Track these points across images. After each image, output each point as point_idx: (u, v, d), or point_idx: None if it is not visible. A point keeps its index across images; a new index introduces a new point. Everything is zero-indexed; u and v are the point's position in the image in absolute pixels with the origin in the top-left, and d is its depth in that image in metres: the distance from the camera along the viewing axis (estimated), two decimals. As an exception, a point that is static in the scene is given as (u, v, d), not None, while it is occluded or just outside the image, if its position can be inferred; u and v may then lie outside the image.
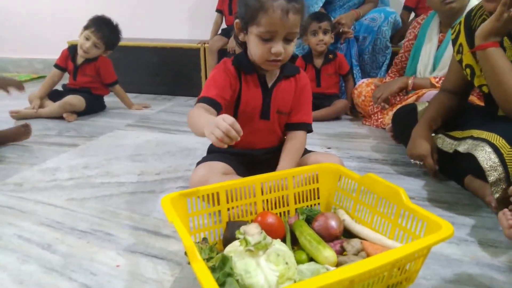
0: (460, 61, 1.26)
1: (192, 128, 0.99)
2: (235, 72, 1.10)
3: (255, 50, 1.03)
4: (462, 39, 1.24)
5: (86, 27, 2.19)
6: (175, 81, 2.85)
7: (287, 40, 1.01)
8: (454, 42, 1.28)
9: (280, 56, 1.01)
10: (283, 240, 0.87)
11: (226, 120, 0.80)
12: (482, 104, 1.44)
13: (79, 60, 2.25)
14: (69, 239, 0.97)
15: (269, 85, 1.13)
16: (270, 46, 1.00)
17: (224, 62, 1.12)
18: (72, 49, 2.28)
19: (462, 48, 1.24)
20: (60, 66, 2.28)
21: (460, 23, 1.26)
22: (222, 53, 2.68)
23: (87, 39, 2.17)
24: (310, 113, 1.19)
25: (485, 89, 1.21)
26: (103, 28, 2.19)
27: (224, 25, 2.87)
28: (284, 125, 1.19)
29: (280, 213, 0.99)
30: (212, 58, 2.67)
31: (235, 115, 1.12)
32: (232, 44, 2.56)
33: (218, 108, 1.05)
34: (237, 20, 1.05)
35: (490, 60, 1.08)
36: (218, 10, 2.83)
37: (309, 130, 1.19)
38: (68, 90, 2.26)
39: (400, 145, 1.63)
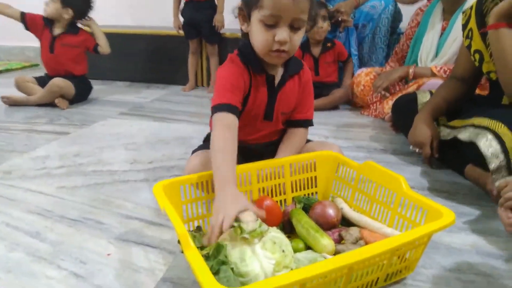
0: (469, 47, 1.22)
1: (212, 158, 0.86)
2: (247, 71, 0.99)
3: (258, 38, 0.91)
4: (472, 23, 1.20)
5: None
6: (168, 69, 2.81)
7: (293, 28, 0.89)
8: (464, 27, 1.24)
9: (285, 46, 0.89)
10: (282, 228, 0.85)
11: (225, 221, 0.68)
12: (484, 94, 1.41)
13: (57, 30, 2.18)
14: (59, 227, 0.94)
15: (275, 85, 1.04)
16: (274, 33, 0.88)
17: (232, 60, 1.00)
18: (47, 20, 2.19)
19: (472, 33, 1.20)
20: (25, 17, 2.20)
21: (471, 8, 1.22)
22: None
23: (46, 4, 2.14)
24: (312, 108, 1.12)
25: (493, 75, 1.17)
26: None
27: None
28: (285, 122, 1.11)
29: (276, 202, 0.96)
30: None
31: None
32: (220, 18, 2.43)
33: (237, 114, 0.95)
34: (239, 6, 0.96)
35: (501, 41, 1.04)
36: None
37: (310, 125, 1.12)
38: (51, 77, 2.15)
39: (400, 134, 1.60)
